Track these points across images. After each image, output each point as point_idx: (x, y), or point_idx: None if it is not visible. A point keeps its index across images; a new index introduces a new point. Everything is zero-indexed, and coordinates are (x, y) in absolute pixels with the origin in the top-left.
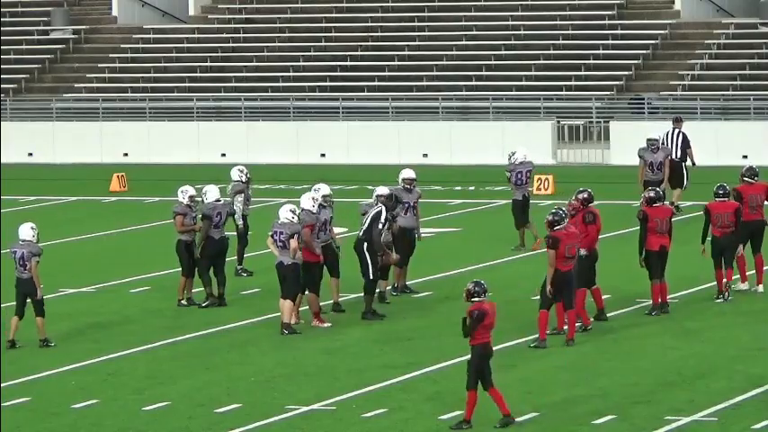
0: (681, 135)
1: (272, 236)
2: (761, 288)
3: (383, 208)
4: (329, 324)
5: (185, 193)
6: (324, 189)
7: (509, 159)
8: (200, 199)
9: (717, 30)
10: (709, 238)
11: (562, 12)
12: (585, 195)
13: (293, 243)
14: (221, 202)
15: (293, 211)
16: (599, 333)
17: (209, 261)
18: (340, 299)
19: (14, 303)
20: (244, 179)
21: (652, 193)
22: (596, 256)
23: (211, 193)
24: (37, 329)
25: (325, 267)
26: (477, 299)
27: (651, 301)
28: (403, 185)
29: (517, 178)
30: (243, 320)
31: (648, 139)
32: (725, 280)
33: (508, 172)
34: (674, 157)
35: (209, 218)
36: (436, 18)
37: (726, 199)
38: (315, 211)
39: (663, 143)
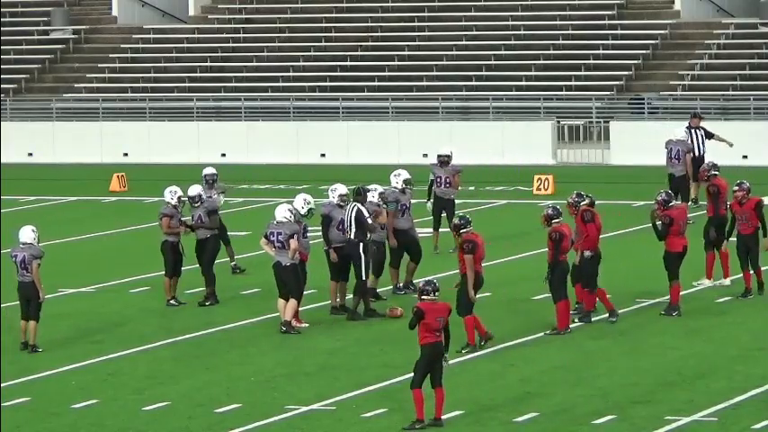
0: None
1: (265, 236)
2: (727, 281)
3: (358, 205)
4: (307, 324)
5: (174, 193)
6: (340, 189)
7: (449, 162)
8: (185, 199)
9: (717, 30)
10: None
11: (562, 12)
12: (589, 200)
13: (293, 243)
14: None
15: (291, 210)
16: (599, 333)
17: (213, 258)
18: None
19: (14, 303)
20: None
21: (664, 195)
22: (599, 256)
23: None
24: (29, 333)
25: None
26: (426, 297)
27: (669, 301)
28: (402, 187)
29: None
30: (243, 320)
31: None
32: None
33: (460, 172)
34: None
35: (216, 211)
36: (436, 18)
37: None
38: (304, 213)
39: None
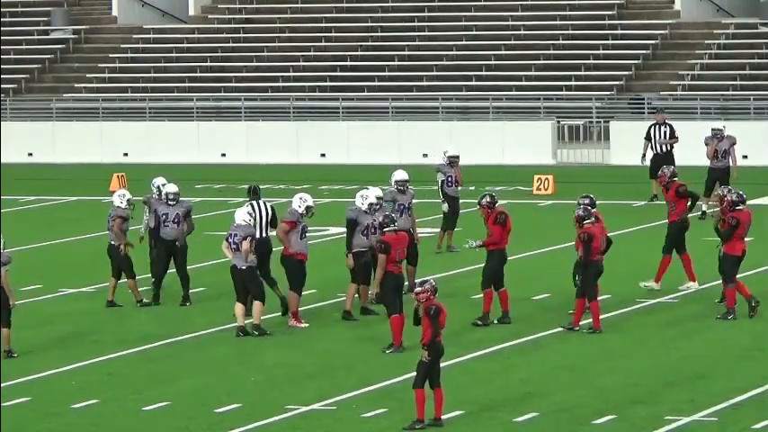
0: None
1: (226, 239)
2: (694, 285)
3: (272, 205)
4: (306, 324)
5: (123, 197)
6: (371, 198)
7: (454, 160)
8: (134, 201)
9: (717, 30)
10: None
11: (562, 12)
12: (488, 200)
13: (245, 245)
14: None
15: (250, 214)
16: (599, 333)
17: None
18: (332, 302)
19: None
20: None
21: (735, 196)
22: (505, 257)
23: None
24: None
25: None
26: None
27: (726, 306)
28: (396, 187)
29: None
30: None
31: (713, 129)
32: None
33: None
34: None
35: (189, 213)
36: (436, 18)
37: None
38: (301, 212)
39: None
